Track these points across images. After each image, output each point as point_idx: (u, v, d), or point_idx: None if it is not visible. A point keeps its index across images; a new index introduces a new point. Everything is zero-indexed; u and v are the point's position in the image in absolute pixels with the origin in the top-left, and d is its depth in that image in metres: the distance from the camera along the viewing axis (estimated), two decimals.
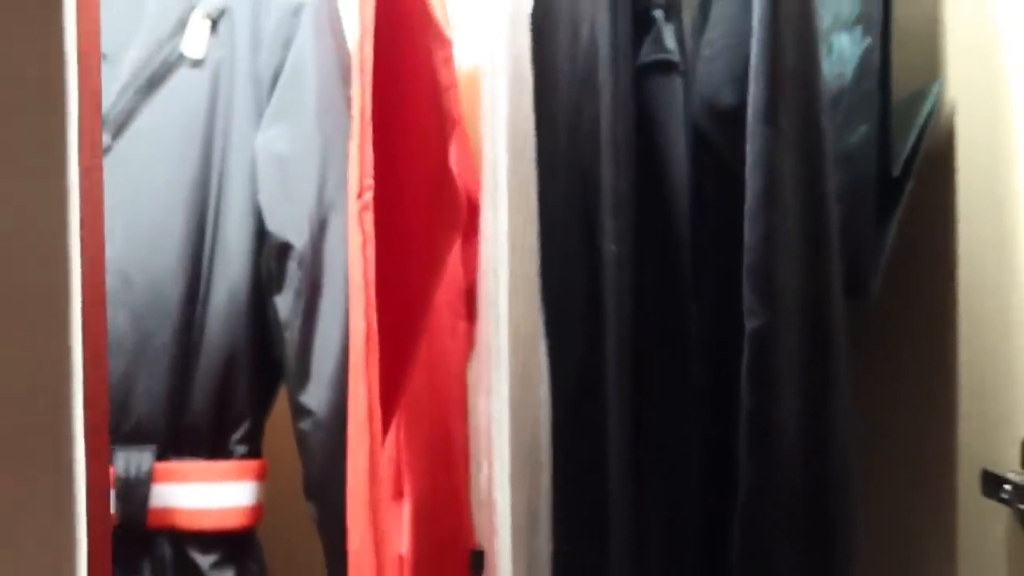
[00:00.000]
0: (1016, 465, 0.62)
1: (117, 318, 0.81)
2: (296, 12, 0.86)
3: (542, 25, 0.71)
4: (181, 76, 0.85)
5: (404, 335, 0.81)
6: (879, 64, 0.71)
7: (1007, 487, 0.61)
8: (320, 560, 0.86)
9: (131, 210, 0.83)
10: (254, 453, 0.88)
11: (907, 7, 0.74)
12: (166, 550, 0.85)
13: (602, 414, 0.67)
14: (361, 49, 0.72)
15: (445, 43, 0.72)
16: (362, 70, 0.71)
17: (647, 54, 0.71)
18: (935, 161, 0.71)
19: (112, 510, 0.82)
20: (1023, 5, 0.63)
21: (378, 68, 0.71)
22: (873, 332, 0.78)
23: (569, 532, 0.71)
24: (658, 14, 0.71)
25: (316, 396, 0.82)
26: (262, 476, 0.88)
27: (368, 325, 0.73)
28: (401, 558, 0.80)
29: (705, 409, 0.69)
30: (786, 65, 0.65)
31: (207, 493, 0.85)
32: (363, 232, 0.73)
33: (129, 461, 0.83)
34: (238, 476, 0.86)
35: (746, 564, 0.65)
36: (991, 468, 0.64)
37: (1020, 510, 0.61)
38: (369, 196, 0.73)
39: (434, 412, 0.86)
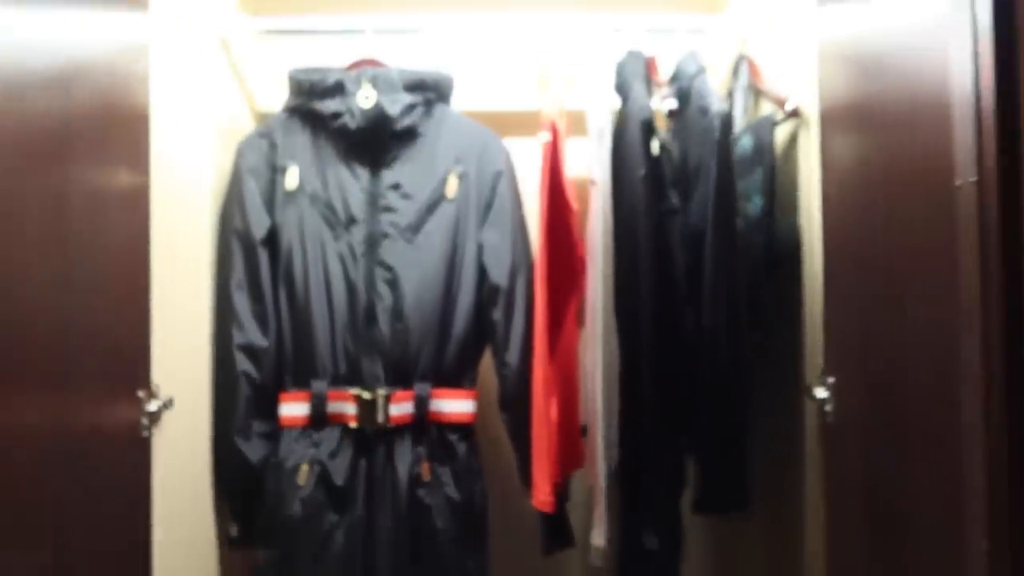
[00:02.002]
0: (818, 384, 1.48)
1: (416, 318, 1.72)
2: (497, 175, 1.77)
3: (616, 194, 1.62)
4: (443, 206, 1.75)
5: (558, 329, 1.72)
6: (769, 209, 1.60)
7: (809, 391, 1.48)
8: (498, 442, 1.77)
9: (422, 268, 1.72)
10: (474, 386, 1.79)
11: (783, 184, 1.62)
12: (434, 433, 1.73)
13: (642, 356, 1.56)
14: (540, 205, 1.63)
15: (573, 210, 1.63)
16: (540, 215, 1.63)
17: (664, 207, 1.60)
18: (792, 253, 1.59)
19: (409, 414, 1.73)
20: (817, 188, 1.49)
21: (549, 216, 1.62)
22: (764, 327, 1.66)
23: (628, 410, 1.59)
24: (671, 192, 1.61)
25: (511, 356, 1.71)
26: (477, 398, 1.79)
27: (542, 323, 1.63)
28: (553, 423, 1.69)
29: (688, 356, 1.58)
30: (722, 217, 1.54)
31: (454, 404, 1.74)
32: (541, 287, 1.63)
33: (421, 389, 1.73)
34: (468, 397, 1.75)
35: (703, 412, 1.53)
36: (809, 384, 1.51)
37: (812, 403, 1.47)
38: (541, 276, 1.63)
39: (565, 362, 1.75)
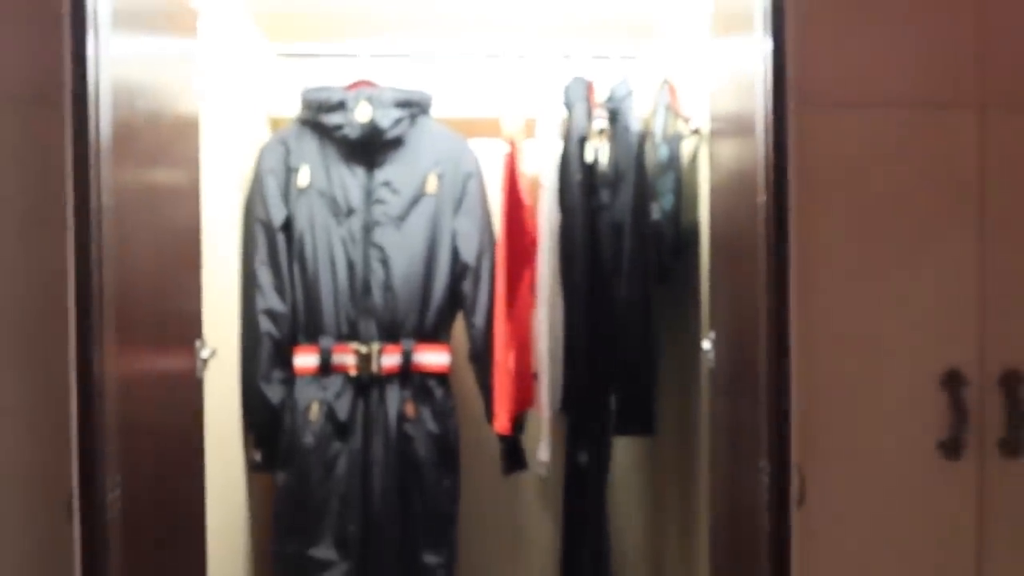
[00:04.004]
0: (705, 339, 1.95)
1: (402, 289, 2.18)
2: (468, 176, 2.22)
3: (560, 193, 2.08)
4: (424, 199, 2.20)
5: (514, 295, 2.18)
6: (677, 206, 2.06)
7: (700, 344, 1.96)
8: (469, 389, 2.25)
9: (407, 250, 2.17)
10: (449, 341, 2.25)
11: (688, 187, 2.08)
12: (417, 380, 2.20)
13: (579, 319, 2.03)
14: (502, 201, 2.09)
15: (526, 205, 2.09)
16: (502, 209, 2.08)
17: (596, 203, 2.07)
18: (694, 240, 2.06)
19: (397, 365, 2.19)
20: (708, 198, 1.95)
21: (508, 210, 2.08)
22: (674, 296, 2.13)
23: (570, 341, 2.07)
24: (602, 192, 2.06)
25: (478, 319, 2.19)
26: (450, 351, 2.25)
27: (502, 291, 2.10)
28: (511, 370, 2.16)
29: (613, 320, 2.05)
30: (638, 214, 2.00)
31: (433, 356, 2.21)
32: (502, 264, 2.09)
33: (406, 343, 2.19)
34: (444, 350, 2.22)
35: (622, 361, 2.01)
36: (701, 338, 1.98)
37: (703, 353, 1.95)
38: (502, 256, 2.09)
39: (521, 323, 2.22)
